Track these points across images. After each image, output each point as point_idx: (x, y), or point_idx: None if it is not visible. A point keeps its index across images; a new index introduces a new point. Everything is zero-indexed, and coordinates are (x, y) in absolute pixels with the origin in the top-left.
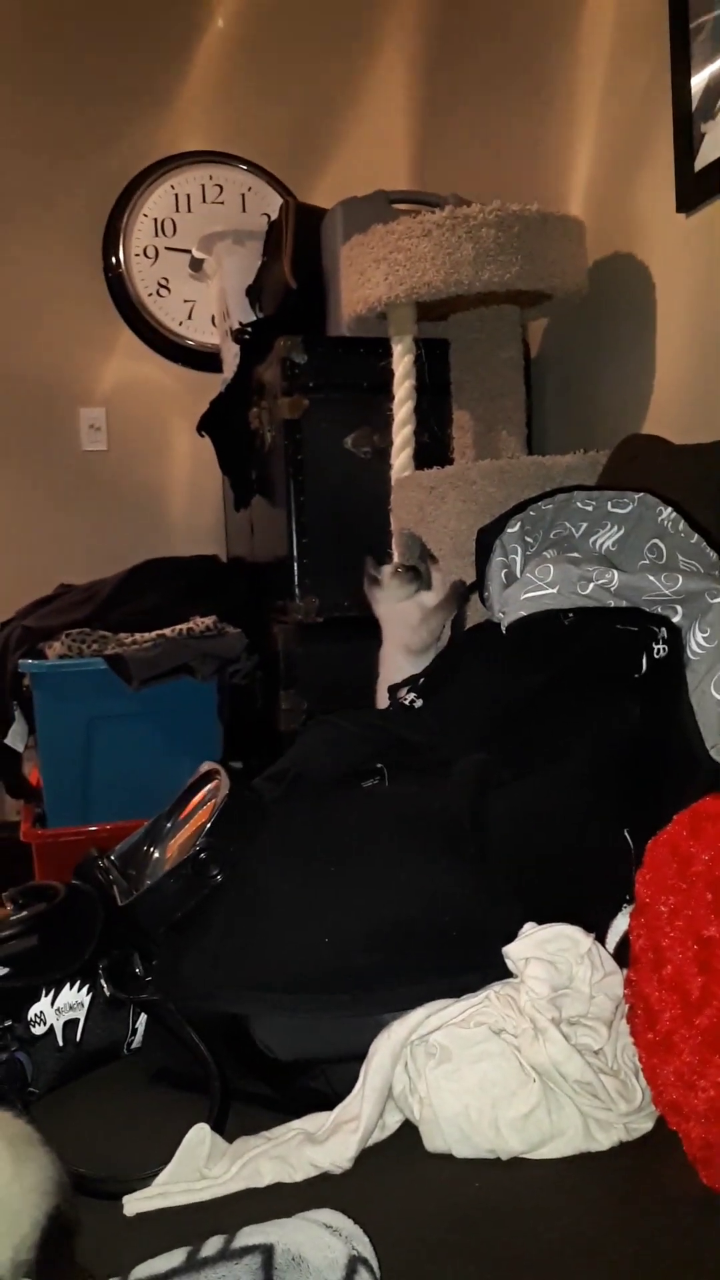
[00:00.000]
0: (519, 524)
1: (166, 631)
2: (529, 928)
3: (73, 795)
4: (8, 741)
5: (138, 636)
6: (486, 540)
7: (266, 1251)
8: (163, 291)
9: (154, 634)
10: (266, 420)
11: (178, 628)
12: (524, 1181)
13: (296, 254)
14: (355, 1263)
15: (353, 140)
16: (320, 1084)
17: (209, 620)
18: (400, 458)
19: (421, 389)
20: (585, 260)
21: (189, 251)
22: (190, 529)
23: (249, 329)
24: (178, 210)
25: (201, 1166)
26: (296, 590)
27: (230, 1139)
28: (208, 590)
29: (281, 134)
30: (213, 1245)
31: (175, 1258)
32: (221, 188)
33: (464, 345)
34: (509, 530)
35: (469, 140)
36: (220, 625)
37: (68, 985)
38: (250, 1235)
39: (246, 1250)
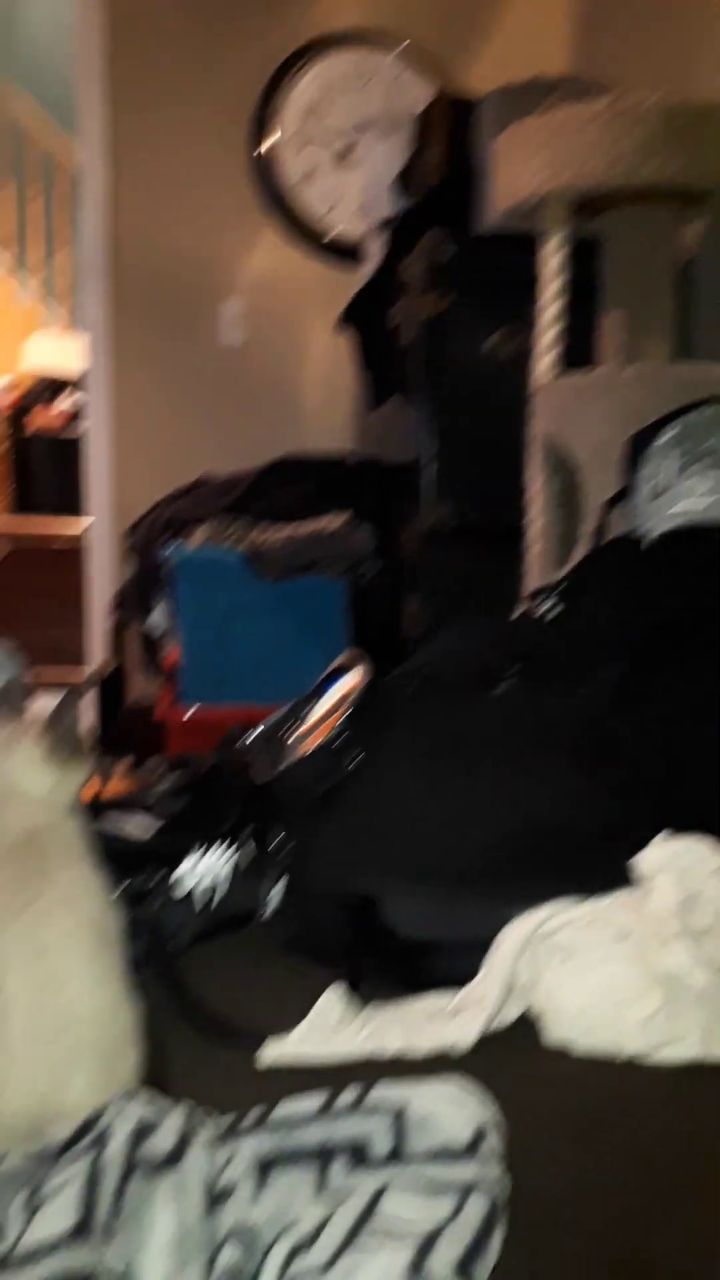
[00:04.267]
0: (671, 434)
1: (300, 529)
2: (661, 839)
3: (207, 679)
4: (151, 623)
5: (273, 531)
6: (636, 449)
7: (399, 1109)
8: (309, 181)
9: (288, 530)
10: (408, 317)
11: (311, 525)
12: (639, 1081)
13: (447, 144)
14: (483, 1130)
15: (510, 24)
16: (443, 968)
17: (341, 520)
18: (544, 360)
19: (570, 289)
20: None
21: (337, 140)
22: (323, 427)
23: (394, 222)
24: (327, 97)
25: (332, 1029)
26: (429, 495)
27: (358, 1009)
28: (341, 490)
29: (436, 17)
30: (347, 1097)
31: (312, 1103)
32: (372, 74)
33: (617, 244)
34: (660, 440)
35: (634, 24)
36: (351, 526)
37: (210, 851)
38: (383, 1092)
39: (379, 1105)
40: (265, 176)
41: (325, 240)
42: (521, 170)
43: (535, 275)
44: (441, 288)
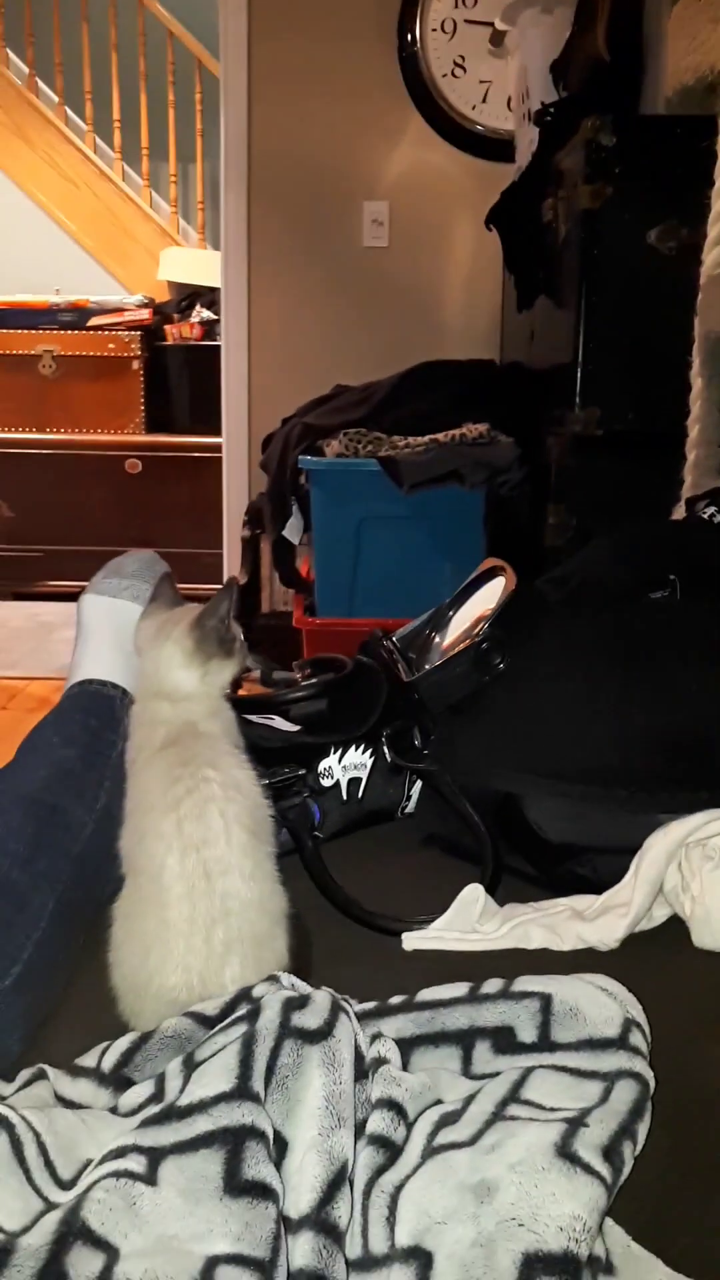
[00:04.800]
0: None
1: (439, 437)
2: None
3: (341, 589)
4: (285, 534)
5: (411, 440)
6: None
7: (545, 999)
8: (458, 72)
9: (427, 438)
10: (562, 212)
11: (450, 433)
12: None
13: (613, 20)
14: (630, 1024)
15: None
16: (586, 871)
17: (482, 427)
18: (714, 253)
19: None
20: None
21: (490, 25)
22: (466, 331)
23: (550, 110)
24: None
25: (473, 921)
26: (577, 399)
27: (499, 905)
28: (482, 396)
29: None
30: (493, 985)
31: (458, 989)
32: None
33: None
34: None
35: None
36: (493, 433)
37: (353, 747)
38: (529, 983)
39: (526, 994)
40: (411, 70)
41: (473, 135)
42: (699, 43)
43: (707, 162)
44: (601, 178)
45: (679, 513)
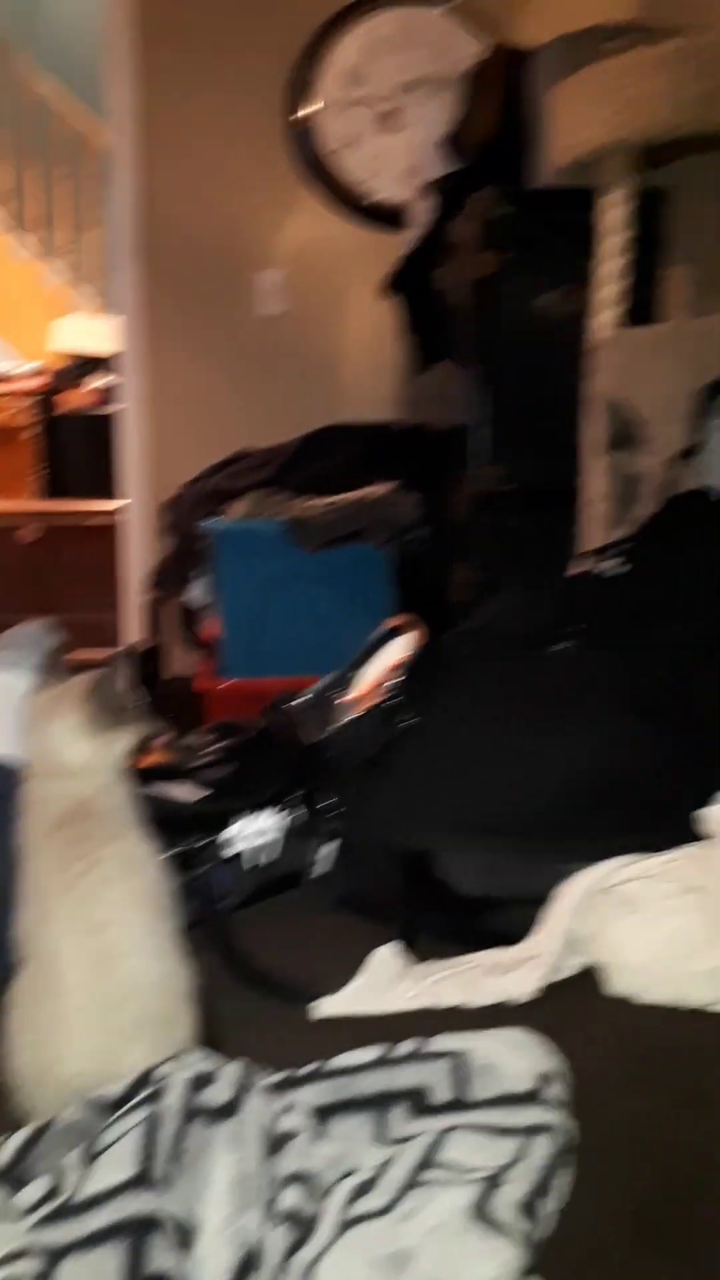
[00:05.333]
0: None
1: (345, 497)
2: None
3: (249, 649)
4: (188, 598)
5: (315, 501)
6: (707, 402)
7: (459, 1057)
8: (350, 147)
9: (331, 499)
10: (457, 279)
11: (355, 494)
12: (705, 1029)
13: (501, 99)
14: (546, 1075)
15: None
16: (500, 924)
17: (386, 487)
18: (604, 315)
19: (631, 243)
20: None
21: (380, 103)
22: (368, 395)
23: (443, 182)
24: (370, 58)
25: (386, 984)
26: (480, 458)
27: (413, 965)
28: (386, 457)
29: None
30: (405, 1047)
31: (370, 1053)
32: (418, 33)
33: (684, 195)
34: None
35: None
36: (397, 493)
37: (258, 813)
38: (442, 1042)
39: (439, 1054)
40: (303, 144)
41: (366, 206)
42: (582, 121)
43: (593, 231)
44: (495, 247)
45: (578, 566)
